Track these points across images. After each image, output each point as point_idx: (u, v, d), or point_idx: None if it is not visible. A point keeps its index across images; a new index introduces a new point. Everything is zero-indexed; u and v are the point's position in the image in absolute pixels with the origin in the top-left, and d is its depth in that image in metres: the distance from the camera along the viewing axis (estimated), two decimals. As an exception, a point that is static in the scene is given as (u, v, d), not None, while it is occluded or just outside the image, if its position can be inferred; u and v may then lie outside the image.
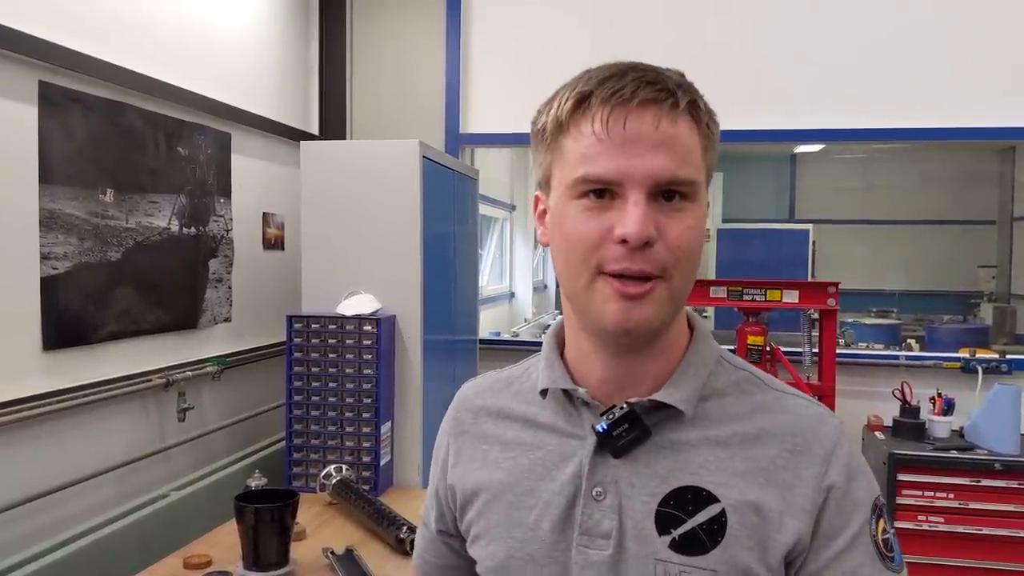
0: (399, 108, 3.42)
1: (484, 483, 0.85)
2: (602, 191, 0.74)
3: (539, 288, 7.18)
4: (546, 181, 0.80)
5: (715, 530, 0.75)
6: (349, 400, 2.28)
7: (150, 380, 2.22)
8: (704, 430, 0.78)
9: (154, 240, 2.30)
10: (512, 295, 6.49)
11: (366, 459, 2.26)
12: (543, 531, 0.80)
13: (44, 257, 1.91)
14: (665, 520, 0.76)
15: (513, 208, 6.44)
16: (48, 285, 1.92)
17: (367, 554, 1.74)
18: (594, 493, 0.78)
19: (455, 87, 3.34)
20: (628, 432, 0.77)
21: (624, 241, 0.72)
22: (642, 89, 0.73)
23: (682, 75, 0.77)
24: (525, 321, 6.17)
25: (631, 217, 0.72)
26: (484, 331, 3.35)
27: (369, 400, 2.27)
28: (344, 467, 2.17)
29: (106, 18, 2.12)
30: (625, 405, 0.78)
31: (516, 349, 3.45)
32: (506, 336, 4.21)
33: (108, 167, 2.11)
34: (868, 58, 3.09)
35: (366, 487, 2.19)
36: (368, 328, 2.28)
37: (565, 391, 0.83)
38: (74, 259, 2.00)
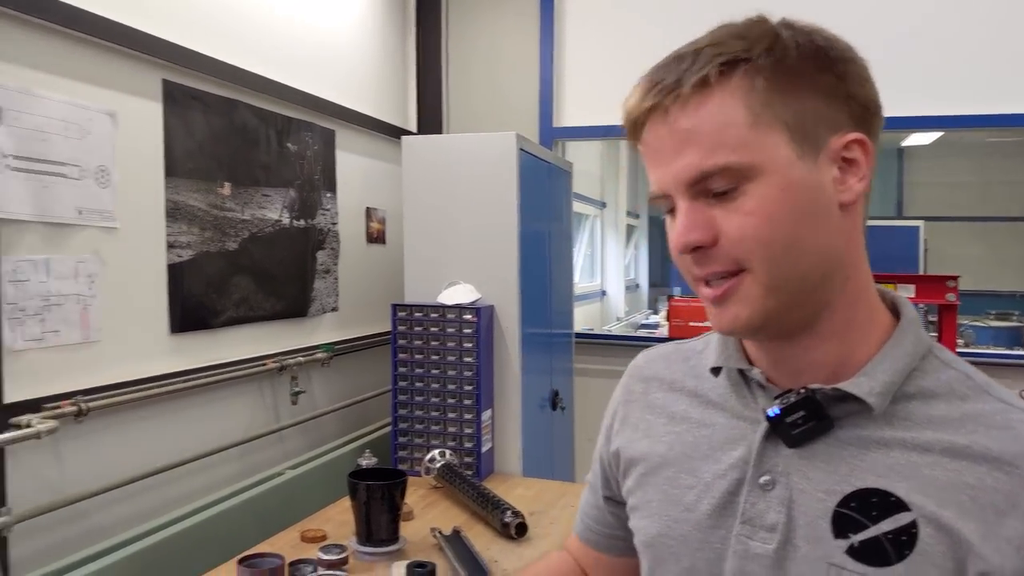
0: (493, 103, 3.47)
1: (645, 454, 0.83)
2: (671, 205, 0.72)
3: (631, 287, 7.14)
4: None
5: (903, 542, 0.66)
6: (451, 387, 2.33)
7: (265, 364, 2.32)
8: (902, 431, 0.69)
9: (267, 232, 2.41)
10: (603, 293, 6.48)
11: (468, 445, 2.31)
12: (700, 513, 0.76)
13: (170, 246, 2.03)
14: (843, 522, 0.69)
15: (603, 205, 6.42)
16: (174, 272, 2.04)
17: (473, 536, 1.77)
18: (761, 481, 0.73)
19: (548, 81, 3.36)
20: (805, 420, 0.71)
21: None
22: (646, 97, 0.70)
23: (714, 42, 0.69)
24: (617, 320, 6.14)
25: (674, 229, 0.71)
26: (576, 328, 3.36)
27: (470, 387, 2.32)
28: (448, 452, 2.22)
29: (223, 20, 2.24)
30: (803, 390, 0.71)
31: (613, 343, 3.45)
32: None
33: (225, 162, 2.23)
34: (988, 38, 2.94)
35: (469, 472, 2.24)
36: (468, 317, 2.32)
37: (740, 370, 0.78)
38: (196, 248, 2.11)
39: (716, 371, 0.80)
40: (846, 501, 0.69)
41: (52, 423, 1.57)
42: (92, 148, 1.81)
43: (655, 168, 0.72)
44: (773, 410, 0.72)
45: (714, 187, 0.68)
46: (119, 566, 1.57)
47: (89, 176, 1.80)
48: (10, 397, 1.58)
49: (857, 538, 0.68)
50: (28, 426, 1.54)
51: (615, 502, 0.91)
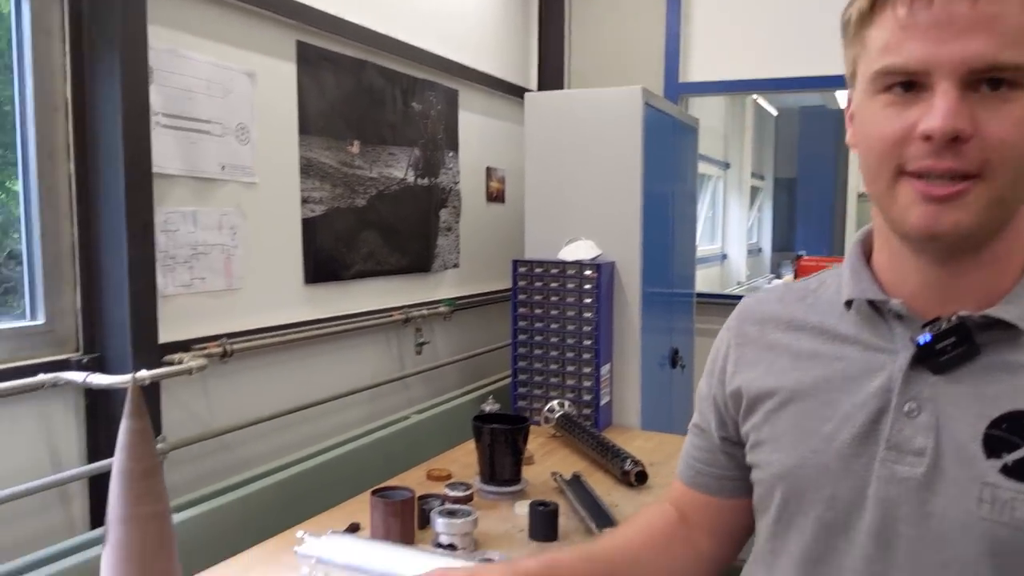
0: (616, 59, 3.42)
1: (772, 389, 0.83)
2: (909, 83, 0.68)
3: (753, 252, 6.95)
4: (852, 78, 0.76)
5: None
6: (570, 341, 2.35)
7: (391, 316, 2.42)
8: None
9: (393, 190, 2.49)
10: (724, 257, 6.33)
11: (587, 398, 2.33)
12: (840, 443, 0.76)
13: (304, 200, 2.13)
14: (995, 443, 0.69)
15: (727, 166, 6.25)
16: (308, 226, 2.14)
17: (593, 482, 1.80)
18: (906, 409, 0.73)
19: (674, 34, 3.28)
20: (954, 347, 0.71)
21: (928, 138, 0.65)
22: None
23: None
24: (738, 284, 6.00)
25: (937, 110, 0.65)
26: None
27: (589, 342, 2.33)
28: (566, 403, 2.26)
29: (353, -18, 2.31)
30: (955, 317, 0.71)
31: (735, 304, 3.37)
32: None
33: (354, 121, 2.31)
34: None
35: (587, 423, 2.26)
36: (588, 273, 2.33)
37: (872, 303, 0.78)
38: (327, 204, 2.21)
39: (849, 304, 0.79)
40: (997, 423, 0.69)
41: (202, 361, 1.70)
42: (233, 107, 1.92)
43: (924, 42, 0.66)
44: (924, 337, 0.72)
45: (1000, 83, 0.65)
46: (261, 494, 1.68)
47: (230, 134, 1.91)
48: (164, 338, 1.72)
49: (1011, 457, 0.68)
50: (180, 363, 1.67)
51: (730, 442, 0.91)
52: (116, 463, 0.96)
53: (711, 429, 0.93)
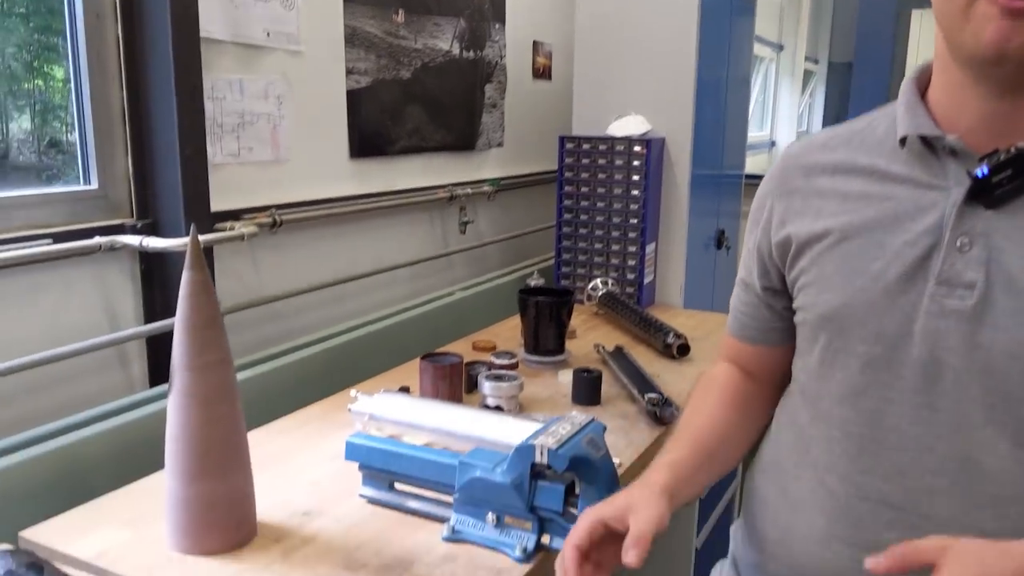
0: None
1: (821, 232, 0.83)
2: None
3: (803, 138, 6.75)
4: None
5: None
6: (616, 219, 2.33)
7: (436, 194, 2.41)
8: None
9: (438, 62, 2.43)
10: (772, 144, 6.17)
11: (630, 276, 2.33)
12: (888, 280, 0.77)
13: (349, 71, 2.10)
14: None
15: (781, 48, 6.00)
16: (353, 98, 2.11)
17: (635, 354, 1.82)
18: (958, 244, 0.74)
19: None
20: (1010, 180, 0.71)
21: None
22: None
23: None
24: (786, 172, 5.86)
25: None
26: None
27: (635, 220, 2.31)
28: (610, 281, 2.26)
29: None
30: (1013, 149, 0.71)
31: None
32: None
33: (398, -12, 2.24)
34: None
35: (630, 301, 2.27)
36: (637, 149, 2.28)
37: (925, 141, 0.77)
38: (373, 75, 2.17)
39: (903, 142, 0.79)
40: None
41: (253, 228, 1.72)
42: (276, -30, 1.87)
43: None
44: (982, 170, 0.72)
45: None
46: (311, 360, 1.73)
47: (274, -2, 1.87)
48: (216, 206, 1.74)
49: None
50: (232, 229, 1.69)
51: (773, 292, 0.93)
52: (179, 314, 0.99)
53: (754, 281, 0.95)
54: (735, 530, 1.03)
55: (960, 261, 0.74)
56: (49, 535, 1.07)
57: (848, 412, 0.81)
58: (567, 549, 0.79)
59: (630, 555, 0.74)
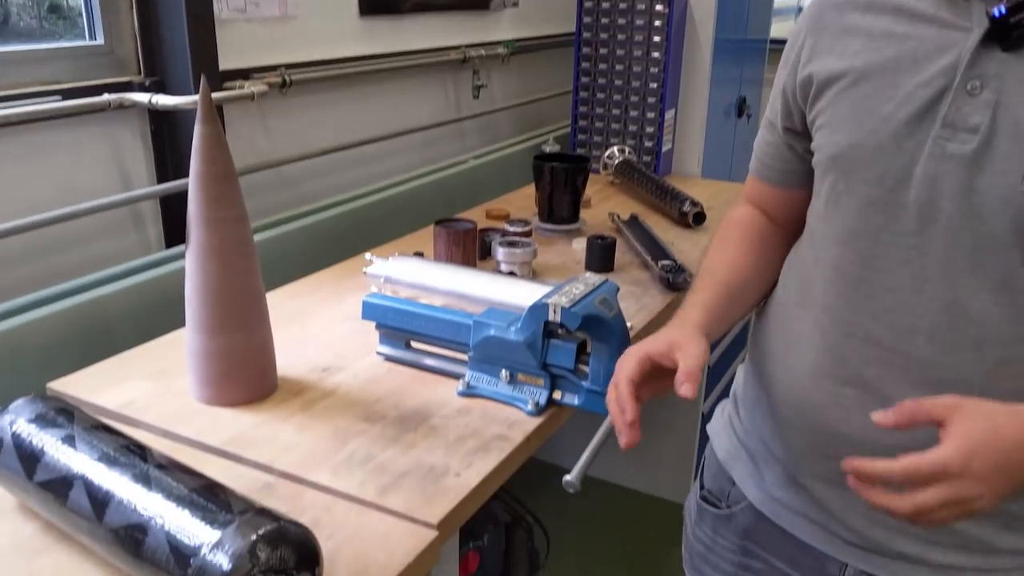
0: None
1: (842, 71, 0.82)
2: None
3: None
4: None
5: None
6: (635, 84, 2.26)
7: (448, 55, 2.33)
8: None
9: (450, -87, 2.30)
10: (799, 9, 5.90)
11: (648, 144, 2.29)
12: (897, 121, 0.76)
13: (357, -79, 1.99)
14: None
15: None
16: (362, -50, 2.01)
17: (650, 223, 1.81)
18: (968, 87, 0.72)
19: None
20: None
21: None
22: None
23: None
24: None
25: None
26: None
27: (655, 85, 2.24)
28: (627, 149, 2.22)
29: None
30: None
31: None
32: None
33: None
34: None
35: (647, 170, 2.24)
36: (659, 8, 2.19)
37: None
38: (382, -74, 2.06)
39: None
40: None
41: (262, 87, 1.68)
42: None
43: None
44: (999, 8, 0.69)
45: None
46: (324, 224, 1.73)
47: None
48: (224, 65, 1.69)
49: None
50: (241, 87, 1.66)
51: (794, 133, 0.92)
52: (192, 169, 0.98)
53: (777, 121, 0.94)
54: (739, 371, 1.06)
55: (968, 104, 0.72)
56: (76, 386, 1.11)
57: (845, 252, 0.82)
58: (622, 383, 0.83)
59: (685, 387, 0.79)
